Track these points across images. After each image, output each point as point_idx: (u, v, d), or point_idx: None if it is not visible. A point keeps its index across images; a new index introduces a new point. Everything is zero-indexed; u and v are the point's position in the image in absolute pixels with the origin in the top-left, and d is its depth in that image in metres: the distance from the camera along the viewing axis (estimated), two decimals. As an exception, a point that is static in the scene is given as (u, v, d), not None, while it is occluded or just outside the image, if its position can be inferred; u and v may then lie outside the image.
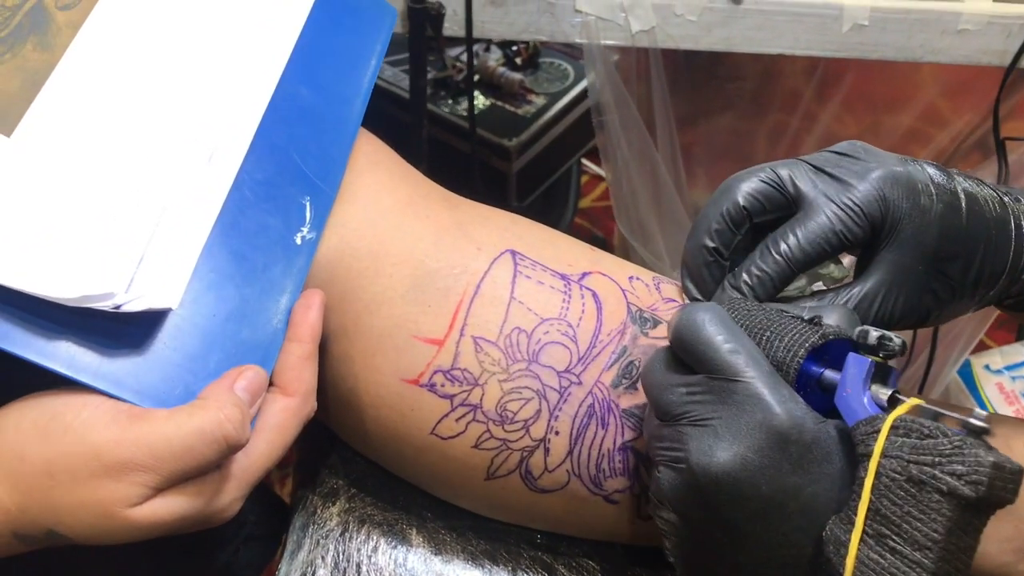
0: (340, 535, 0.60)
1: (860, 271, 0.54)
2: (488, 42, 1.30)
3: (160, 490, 0.45)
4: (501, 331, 0.55)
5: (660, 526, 0.49)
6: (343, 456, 0.63)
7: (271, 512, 0.68)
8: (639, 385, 0.55)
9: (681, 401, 0.46)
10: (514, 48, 1.30)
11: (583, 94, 1.26)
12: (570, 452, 0.55)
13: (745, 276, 0.53)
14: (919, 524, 0.39)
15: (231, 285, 0.51)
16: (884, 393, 0.44)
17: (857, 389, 0.44)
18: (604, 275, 0.58)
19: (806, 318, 0.49)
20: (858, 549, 0.40)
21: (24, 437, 0.44)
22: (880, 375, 0.45)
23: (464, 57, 1.08)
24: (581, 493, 0.56)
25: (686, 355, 0.48)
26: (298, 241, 0.54)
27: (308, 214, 0.55)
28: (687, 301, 0.57)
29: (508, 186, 1.27)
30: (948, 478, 0.38)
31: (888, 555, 0.40)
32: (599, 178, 1.76)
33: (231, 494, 0.47)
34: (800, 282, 0.56)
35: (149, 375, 0.47)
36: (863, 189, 0.52)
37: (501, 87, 1.27)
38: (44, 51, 0.51)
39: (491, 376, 0.54)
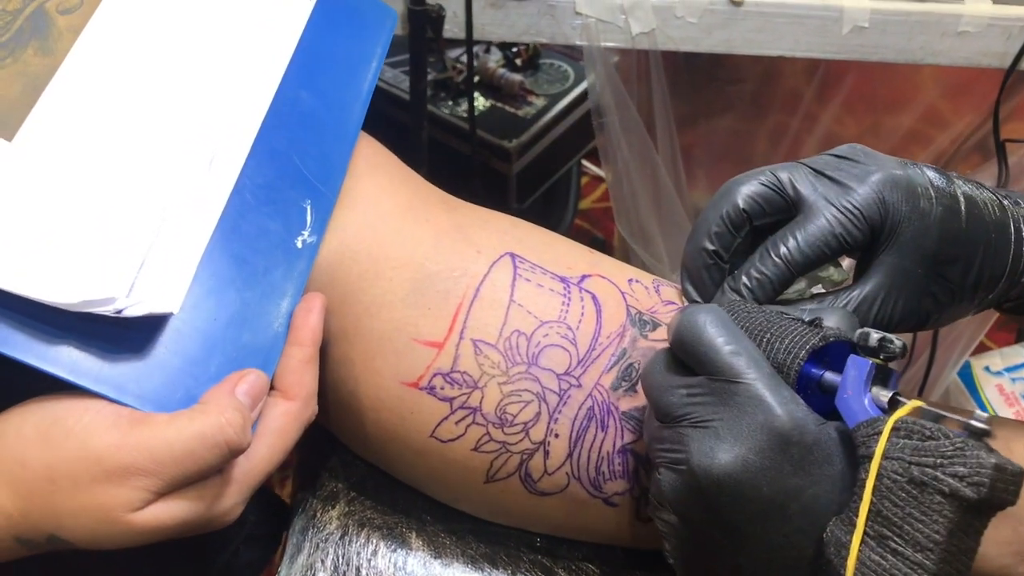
0: (340, 538, 0.60)
1: (859, 274, 0.54)
2: (488, 43, 1.30)
3: (161, 495, 0.45)
4: (501, 334, 0.55)
5: (660, 528, 0.49)
6: (343, 459, 0.63)
7: (271, 512, 0.69)
8: (638, 387, 0.55)
9: (682, 403, 0.46)
10: (514, 49, 1.30)
11: (583, 95, 1.27)
12: (570, 455, 0.55)
13: (745, 279, 0.54)
14: (921, 525, 0.39)
15: (232, 289, 0.51)
16: (885, 395, 0.44)
17: (858, 391, 0.45)
18: (603, 278, 0.58)
19: (806, 320, 0.49)
20: (859, 550, 0.40)
21: (25, 442, 0.44)
22: (880, 377, 0.45)
23: (464, 58, 1.08)
24: (581, 496, 0.56)
25: (687, 356, 0.48)
26: (299, 245, 0.54)
27: (309, 218, 0.55)
28: (686, 304, 0.57)
29: (508, 187, 1.27)
30: (950, 480, 0.38)
31: (889, 556, 0.40)
32: (599, 179, 1.76)
33: (232, 498, 0.47)
34: (799, 285, 0.56)
35: (150, 379, 0.47)
36: (863, 192, 0.52)
37: (501, 88, 1.28)
38: (45, 56, 0.51)
39: (491, 379, 0.54)
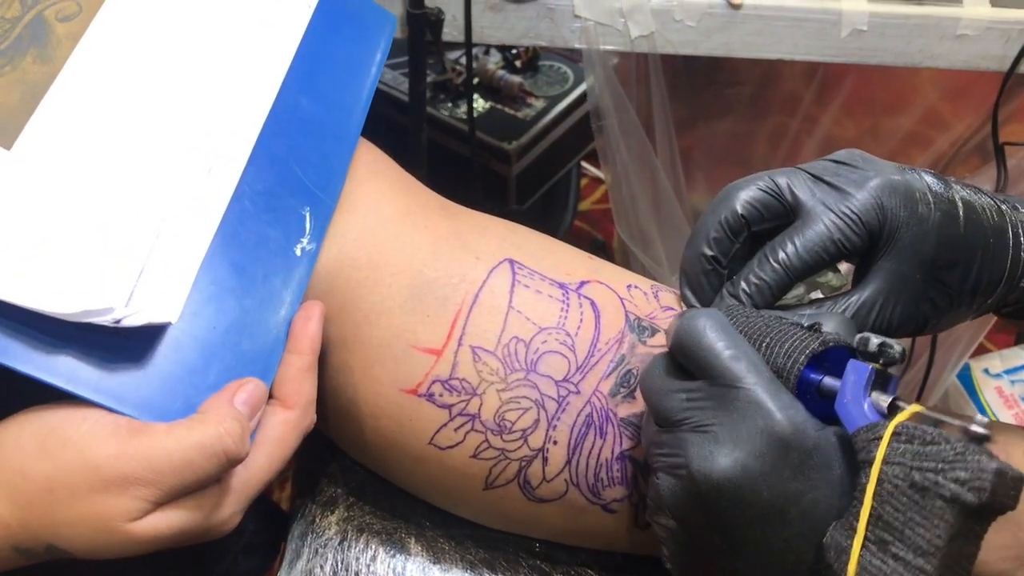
0: (339, 544, 0.60)
1: (858, 280, 0.54)
2: (488, 46, 1.30)
3: (160, 504, 0.45)
4: (499, 340, 0.55)
5: (658, 533, 0.49)
6: (342, 465, 0.63)
7: (270, 520, 0.69)
8: (637, 394, 0.55)
9: (681, 407, 0.46)
10: (513, 51, 1.30)
11: (583, 97, 1.27)
12: (568, 461, 0.55)
13: (743, 284, 0.54)
14: (922, 530, 0.39)
15: (231, 297, 0.51)
16: (884, 400, 0.44)
17: (858, 396, 0.45)
18: (602, 284, 0.58)
19: (805, 325, 0.49)
20: (860, 555, 0.41)
21: (24, 452, 0.44)
22: (880, 382, 0.45)
23: (464, 60, 1.08)
24: (579, 502, 0.56)
25: (686, 361, 0.48)
26: (298, 252, 0.54)
27: (308, 225, 0.55)
28: (685, 309, 0.57)
29: (508, 189, 1.27)
30: (951, 484, 0.38)
31: (890, 561, 0.40)
32: (599, 180, 1.76)
33: (231, 507, 0.47)
34: (798, 290, 0.56)
35: (149, 389, 0.47)
36: (861, 198, 0.52)
37: (501, 90, 1.28)
38: (44, 63, 0.51)
39: (489, 386, 0.54)
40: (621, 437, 0.55)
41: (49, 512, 0.44)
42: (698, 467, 0.44)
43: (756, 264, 0.54)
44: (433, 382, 0.55)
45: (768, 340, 0.48)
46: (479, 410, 0.54)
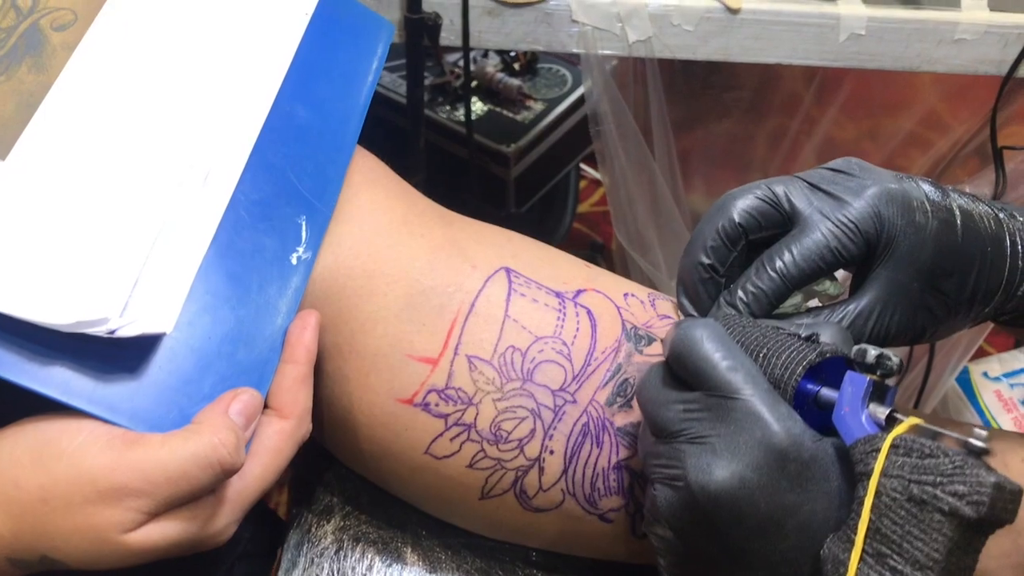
0: (335, 553, 0.60)
1: (855, 288, 0.54)
2: (485, 49, 1.30)
3: (154, 515, 0.45)
4: (495, 350, 0.55)
5: (655, 544, 0.49)
6: (338, 473, 0.63)
7: (266, 528, 0.68)
8: (634, 403, 0.55)
9: (678, 418, 0.46)
10: (512, 54, 1.30)
11: (581, 99, 1.26)
12: (565, 471, 0.55)
13: (740, 293, 0.53)
14: (920, 544, 0.39)
15: (226, 307, 0.51)
16: (882, 412, 0.44)
17: (855, 408, 0.45)
18: (599, 292, 0.58)
19: (803, 336, 0.49)
20: (857, 568, 0.40)
21: (18, 463, 0.44)
22: (877, 393, 0.45)
23: (463, 62, 1.08)
24: (576, 512, 0.56)
25: (683, 371, 0.48)
26: (293, 261, 0.54)
27: (304, 234, 0.55)
28: (682, 318, 0.57)
29: (506, 192, 1.27)
30: (949, 498, 0.39)
31: (888, 574, 0.40)
32: (598, 182, 1.76)
33: (226, 518, 0.47)
34: (795, 299, 0.56)
35: (144, 399, 0.47)
36: (858, 206, 0.52)
37: (499, 93, 1.27)
38: (39, 73, 0.51)
39: (485, 395, 0.54)
40: (618, 447, 0.55)
41: (43, 523, 0.44)
42: (695, 479, 0.44)
43: (753, 273, 0.53)
44: (429, 391, 0.54)
45: (765, 351, 0.48)
46: (475, 420, 0.54)
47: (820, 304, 0.56)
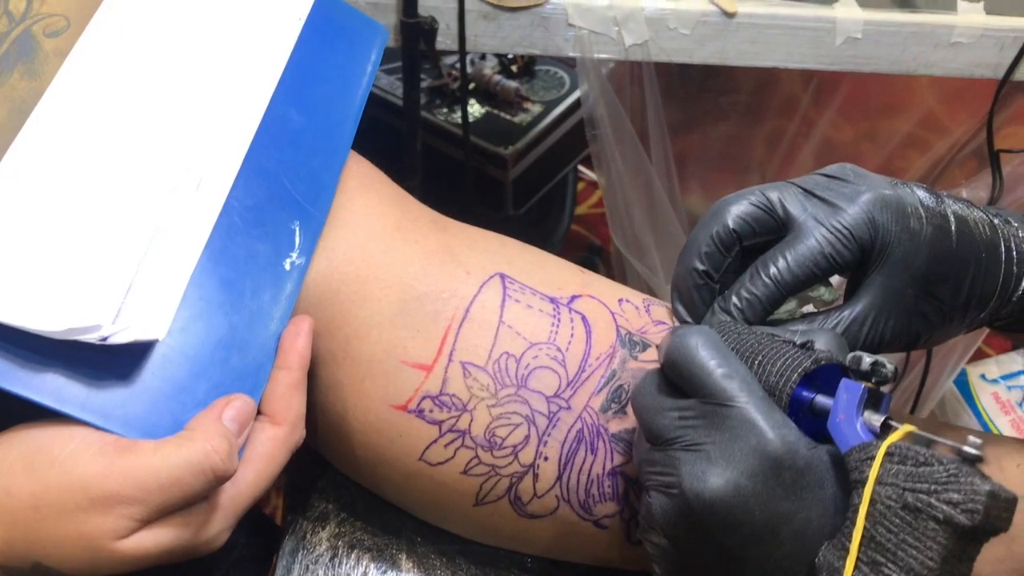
0: (330, 560, 0.60)
1: (850, 294, 0.54)
2: (482, 53, 1.30)
3: (147, 522, 0.45)
4: (490, 356, 0.55)
5: (650, 551, 0.49)
6: (333, 479, 0.63)
7: (261, 535, 0.68)
8: (628, 409, 0.55)
9: (673, 425, 0.46)
10: (510, 56, 1.30)
11: (579, 101, 1.26)
12: (559, 477, 0.55)
13: (735, 299, 0.53)
14: (915, 552, 0.39)
15: (220, 313, 0.51)
16: (877, 419, 0.44)
17: (850, 415, 0.45)
18: (593, 298, 0.58)
19: (797, 342, 0.49)
20: (852, 576, 0.41)
21: (10, 471, 0.44)
22: (872, 401, 0.45)
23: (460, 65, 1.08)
24: (571, 518, 0.56)
25: (678, 379, 0.48)
26: (287, 267, 0.54)
27: (297, 239, 0.55)
28: (677, 324, 0.57)
29: (504, 194, 1.27)
30: (944, 506, 0.39)
31: None
32: (596, 184, 1.76)
33: (218, 525, 0.47)
34: (790, 305, 0.56)
35: (136, 406, 0.47)
36: (853, 212, 0.52)
37: (497, 95, 1.27)
38: (32, 79, 0.51)
39: (480, 401, 0.54)
40: (612, 453, 0.55)
41: (36, 531, 0.44)
42: (690, 486, 0.44)
43: (748, 279, 0.53)
44: (423, 398, 0.54)
45: (760, 358, 0.47)
46: (469, 426, 0.54)
47: (815, 310, 0.56)
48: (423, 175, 1.02)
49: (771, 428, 0.44)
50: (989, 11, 0.86)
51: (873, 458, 0.41)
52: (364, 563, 0.59)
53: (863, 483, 0.41)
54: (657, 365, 0.50)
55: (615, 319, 0.57)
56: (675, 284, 0.56)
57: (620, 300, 0.59)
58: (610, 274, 0.79)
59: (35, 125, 0.50)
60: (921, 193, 0.54)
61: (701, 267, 0.54)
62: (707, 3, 0.84)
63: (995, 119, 0.91)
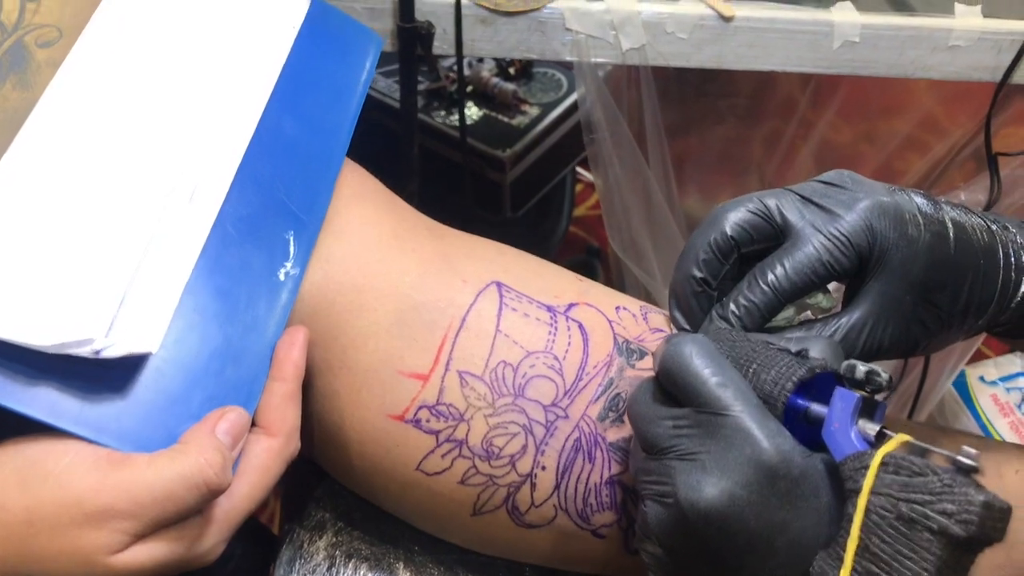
0: (327, 569, 0.59)
1: (848, 301, 0.54)
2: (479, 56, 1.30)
3: (141, 536, 0.44)
4: (487, 365, 0.55)
5: (646, 560, 0.49)
6: (330, 489, 0.63)
7: (258, 545, 0.68)
8: (626, 418, 0.55)
9: (668, 435, 0.46)
10: (507, 59, 1.29)
11: (577, 104, 1.26)
12: (557, 487, 0.54)
13: (733, 306, 0.53)
14: (909, 563, 0.39)
15: (214, 324, 0.51)
16: (872, 428, 0.44)
17: (845, 424, 0.44)
18: (591, 306, 0.58)
19: (793, 350, 0.49)
20: (847, 586, 0.40)
21: (3, 485, 0.44)
22: (867, 410, 0.45)
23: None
24: (568, 528, 0.55)
25: (673, 388, 0.47)
26: (281, 277, 0.54)
27: (292, 249, 0.55)
28: (675, 331, 0.57)
29: (502, 196, 1.27)
30: (939, 517, 0.39)
31: None
32: (594, 186, 1.75)
33: (213, 538, 0.47)
34: (788, 312, 0.56)
35: (130, 419, 0.46)
36: (850, 219, 0.52)
37: (494, 98, 1.27)
38: (24, 90, 0.51)
39: (476, 411, 0.54)
40: (610, 462, 0.55)
41: (29, 546, 0.44)
42: (685, 496, 0.44)
43: (745, 286, 0.53)
44: (420, 408, 0.54)
45: (755, 366, 0.47)
46: (466, 436, 0.54)
47: (813, 317, 0.56)
48: (421, 178, 1.02)
49: (766, 437, 0.44)
50: (986, 14, 0.85)
51: (867, 467, 0.41)
52: (362, 572, 0.59)
53: (857, 493, 0.41)
54: (654, 374, 0.50)
55: (612, 327, 0.57)
56: (673, 291, 0.56)
57: (617, 308, 0.59)
58: (609, 276, 0.79)
59: (27, 136, 0.49)
60: (919, 200, 0.54)
61: (699, 274, 0.54)
62: (704, 7, 0.84)
63: (993, 121, 0.91)
